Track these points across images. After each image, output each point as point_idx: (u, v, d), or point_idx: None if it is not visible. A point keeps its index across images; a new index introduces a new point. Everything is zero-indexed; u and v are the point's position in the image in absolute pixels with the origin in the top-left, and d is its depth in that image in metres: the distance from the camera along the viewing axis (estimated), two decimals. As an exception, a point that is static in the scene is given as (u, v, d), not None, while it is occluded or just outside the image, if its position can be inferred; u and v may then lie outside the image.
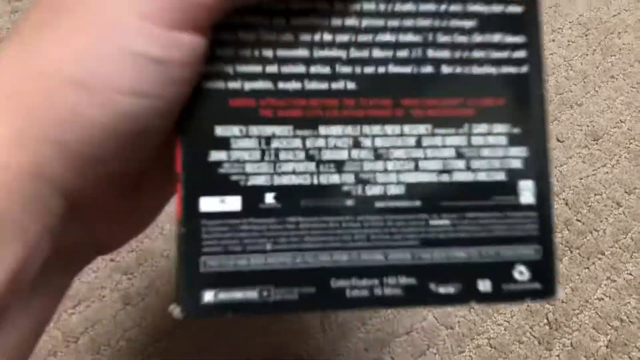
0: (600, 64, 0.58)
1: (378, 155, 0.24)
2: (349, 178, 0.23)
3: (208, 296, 0.22)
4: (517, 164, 0.25)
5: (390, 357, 0.36)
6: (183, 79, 0.18)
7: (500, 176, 0.24)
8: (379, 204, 0.24)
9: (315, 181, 0.23)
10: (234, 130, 0.23)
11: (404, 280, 0.23)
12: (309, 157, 0.23)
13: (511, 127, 0.25)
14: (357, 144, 0.24)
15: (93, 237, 0.22)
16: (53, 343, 0.42)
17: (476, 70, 0.25)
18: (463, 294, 0.24)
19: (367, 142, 0.24)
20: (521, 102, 0.25)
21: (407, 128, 0.24)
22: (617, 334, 0.40)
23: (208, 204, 0.23)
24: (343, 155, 0.24)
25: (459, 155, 0.24)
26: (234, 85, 0.23)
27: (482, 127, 0.24)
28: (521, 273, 0.24)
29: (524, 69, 0.25)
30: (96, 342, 0.41)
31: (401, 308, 0.24)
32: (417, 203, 0.24)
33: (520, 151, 0.25)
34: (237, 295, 0.23)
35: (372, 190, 0.24)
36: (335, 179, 0.23)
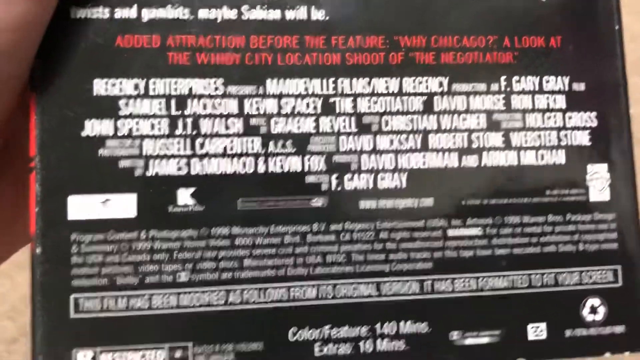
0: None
1: (363, 127, 0.15)
2: (317, 163, 0.14)
3: (83, 359, 0.13)
4: (582, 138, 0.16)
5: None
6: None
7: (558, 158, 0.15)
8: (364, 203, 0.15)
9: (262, 168, 0.14)
10: (125, 85, 0.14)
11: (409, 326, 0.14)
12: (251, 130, 0.14)
13: (571, 80, 0.16)
14: (329, 109, 0.15)
15: None
16: None
17: None
18: (503, 347, 0.15)
19: (345, 105, 0.15)
20: (586, 39, 0.16)
21: (408, 82, 0.15)
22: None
23: (82, 206, 0.14)
24: (307, 125, 0.15)
25: (492, 126, 0.15)
26: (124, 12, 0.14)
27: (527, 81, 0.15)
28: (593, 310, 0.15)
29: None
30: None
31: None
32: (428, 202, 0.15)
33: (586, 118, 0.16)
34: (131, 355, 0.14)
35: (354, 182, 0.15)
36: (293, 164, 0.14)
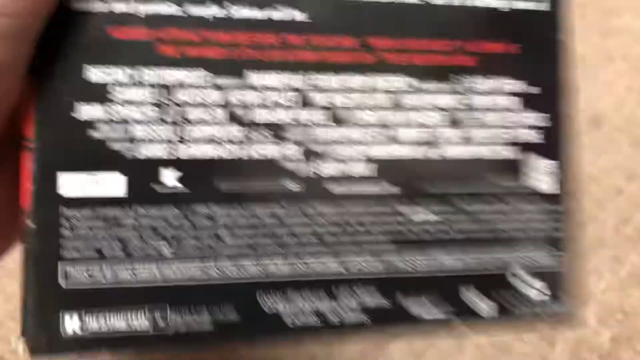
0: (599, 47, 0.53)
1: (337, 119, 0.16)
2: (293, 150, 0.16)
3: (71, 324, 0.15)
4: (533, 136, 0.17)
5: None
6: None
7: (510, 152, 0.17)
8: (336, 189, 0.16)
9: (242, 153, 0.16)
10: (118, 73, 0.15)
11: (370, 299, 0.16)
12: (233, 118, 0.16)
13: (528, 83, 0.17)
14: (305, 101, 0.16)
15: None
16: None
17: (480, 0, 0.17)
18: (455, 319, 0.16)
19: (320, 98, 0.16)
20: (540, 47, 0.17)
21: (379, 80, 0.16)
22: (621, 328, 0.39)
23: (72, 184, 0.15)
24: (284, 116, 0.16)
25: (453, 122, 0.17)
26: (119, 7, 0.15)
27: (486, 83, 0.17)
28: (538, 291, 0.17)
29: (545, 4, 0.18)
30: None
31: (364, 340, 0.16)
32: (393, 189, 0.16)
33: (538, 119, 0.17)
34: (117, 323, 0.15)
35: (327, 169, 0.16)
36: (272, 150, 0.16)
